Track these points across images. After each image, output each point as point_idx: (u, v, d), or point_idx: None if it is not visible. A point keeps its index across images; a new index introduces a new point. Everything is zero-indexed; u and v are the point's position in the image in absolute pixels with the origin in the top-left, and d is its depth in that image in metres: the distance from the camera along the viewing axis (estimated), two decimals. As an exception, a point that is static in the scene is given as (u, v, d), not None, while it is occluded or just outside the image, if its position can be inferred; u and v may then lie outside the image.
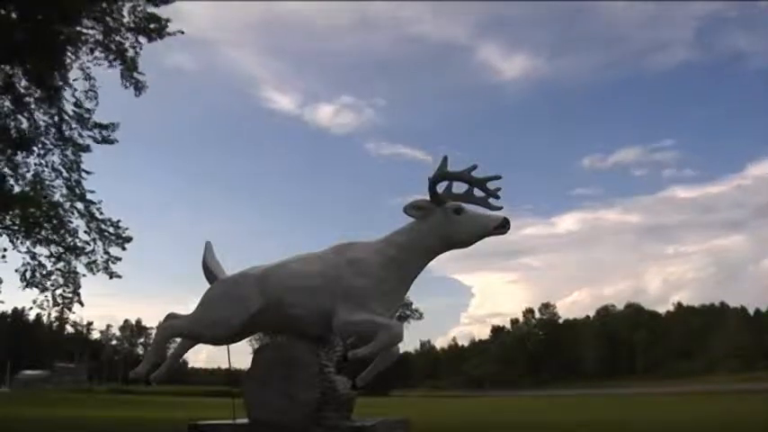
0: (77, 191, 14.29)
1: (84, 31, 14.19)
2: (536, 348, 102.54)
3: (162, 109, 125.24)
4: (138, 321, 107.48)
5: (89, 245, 14.13)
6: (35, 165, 14.33)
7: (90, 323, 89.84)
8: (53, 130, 14.36)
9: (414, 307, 67.85)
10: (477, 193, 4.92)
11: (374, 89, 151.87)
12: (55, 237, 13.95)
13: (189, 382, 75.30)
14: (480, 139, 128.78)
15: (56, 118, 14.32)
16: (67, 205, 14.24)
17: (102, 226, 14.17)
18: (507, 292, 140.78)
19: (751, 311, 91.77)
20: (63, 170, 14.32)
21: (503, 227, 4.74)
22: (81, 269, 14.10)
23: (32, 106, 14.34)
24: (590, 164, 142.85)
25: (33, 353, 79.59)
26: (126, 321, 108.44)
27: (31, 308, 14.37)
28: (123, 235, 14.25)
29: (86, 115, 14.37)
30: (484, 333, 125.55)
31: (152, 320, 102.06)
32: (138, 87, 14.77)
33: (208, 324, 5.05)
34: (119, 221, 14.27)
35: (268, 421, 4.88)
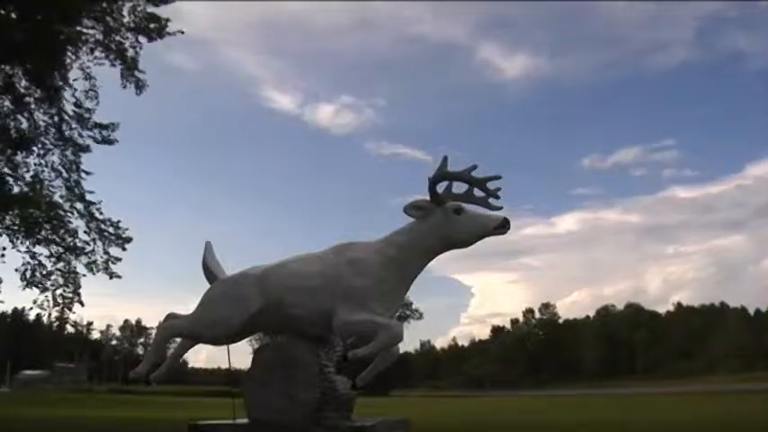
0: (77, 191, 14.30)
1: (85, 30, 14.20)
2: (536, 348, 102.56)
3: (162, 108, 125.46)
4: (138, 321, 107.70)
5: (89, 245, 14.14)
6: (35, 165, 14.34)
7: (90, 323, 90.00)
8: (53, 130, 14.37)
9: (414, 307, 67.95)
10: (477, 193, 4.92)
11: (374, 89, 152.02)
12: (55, 237, 13.95)
13: (189, 382, 75.31)
14: (480, 139, 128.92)
15: (56, 118, 14.32)
16: (67, 205, 14.26)
17: (102, 226, 14.17)
18: (507, 292, 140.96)
19: (751, 311, 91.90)
20: (63, 170, 14.34)
21: (503, 227, 4.75)
22: (81, 269, 14.12)
23: (32, 106, 14.34)
24: (590, 164, 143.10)
25: (33, 353, 79.59)
26: (126, 321, 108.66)
27: (31, 308, 14.37)
28: (123, 235, 14.25)
29: (86, 115, 14.38)
30: (484, 333, 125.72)
31: (152, 320, 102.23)
32: (139, 86, 14.78)
33: (208, 324, 5.05)
34: (119, 222, 14.28)
35: (268, 421, 4.88)
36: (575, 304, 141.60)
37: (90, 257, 14.08)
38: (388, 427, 5.24)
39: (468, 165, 4.85)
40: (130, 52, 14.46)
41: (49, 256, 13.96)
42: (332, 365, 5.05)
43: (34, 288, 13.75)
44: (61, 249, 14.02)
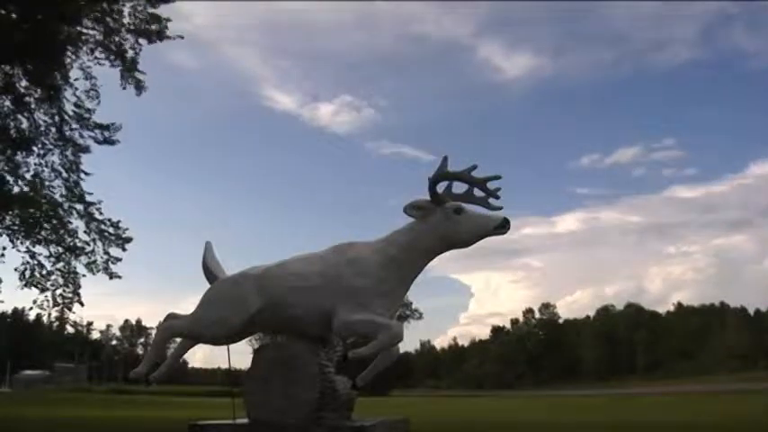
0: (77, 191, 14.31)
1: (85, 31, 14.22)
2: (536, 348, 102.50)
3: (161, 108, 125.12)
4: (138, 321, 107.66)
5: (89, 245, 14.15)
6: (35, 165, 14.37)
7: (90, 323, 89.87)
8: (53, 130, 14.39)
9: (414, 307, 67.99)
10: (477, 193, 4.94)
11: (375, 88, 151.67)
12: (54, 237, 13.96)
13: (189, 382, 75.29)
14: (481, 139, 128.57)
15: (56, 118, 14.34)
16: (67, 206, 14.27)
17: (102, 226, 14.19)
18: (507, 292, 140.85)
19: (751, 311, 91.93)
20: (62, 171, 14.35)
21: (503, 227, 4.75)
22: (81, 269, 14.14)
23: (32, 106, 14.36)
24: (592, 163, 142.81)
25: (33, 353, 79.60)
26: (126, 321, 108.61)
27: (31, 308, 14.38)
28: (123, 236, 14.26)
29: (86, 115, 14.40)
30: (484, 333, 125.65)
31: (152, 320, 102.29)
32: (139, 87, 14.80)
33: (207, 324, 5.06)
34: (119, 222, 14.29)
35: (268, 421, 4.89)
36: (575, 304, 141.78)
37: (90, 257, 14.11)
38: (388, 427, 5.25)
39: (468, 165, 4.86)
40: (130, 53, 14.50)
41: (48, 256, 13.98)
42: (332, 365, 5.06)
43: (34, 288, 13.77)
44: (61, 249, 14.03)
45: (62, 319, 15.50)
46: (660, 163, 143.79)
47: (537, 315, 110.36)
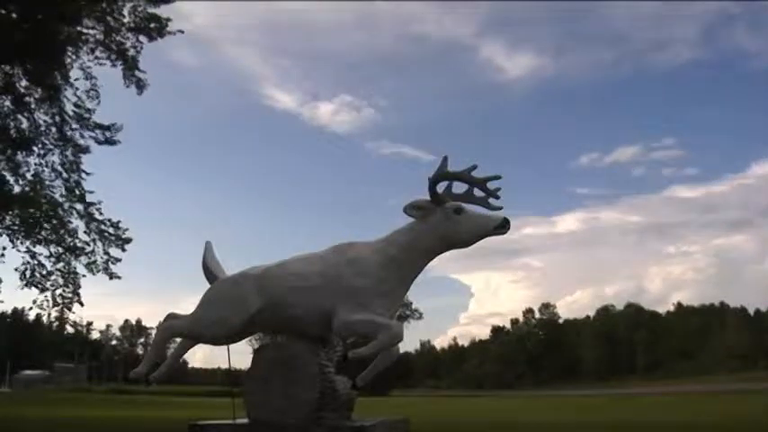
0: (77, 192, 14.31)
1: (85, 31, 14.23)
2: (536, 348, 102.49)
3: (162, 107, 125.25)
4: (138, 321, 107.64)
5: (89, 245, 14.17)
6: (35, 165, 14.38)
7: (90, 323, 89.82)
8: (53, 130, 14.40)
9: (414, 307, 68.00)
10: (477, 193, 4.94)
11: (375, 88, 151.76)
12: (54, 237, 13.97)
13: (189, 382, 75.31)
14: (481, 139, 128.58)
15: (56, 118, 14.35)
16: (67, 206, 14.27)
17: (102, 227, 14.20)
18: (507, 292, 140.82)
19: (751, 311, 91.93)
20: (63, 171, 14.36)
21: (503, 227, 4.75)
22: (81, 269, 14.15)
23: (33, 106, 14.38)
24: (592, 163, 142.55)
25: (33, 353, 79.63)
26: (126, 321, 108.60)
27: (31, 308, 14.40)
28: (123, 236, 14.27)
29: (87, 115, 14.40)
30: (484, 333, 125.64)
31: (152, 320, 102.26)
32: (140, 86, 14.81)
33: (207, 324, 5.06)
34: (119, 222, 14.30)
35: (268, 421, 4.89)
36: (575, 304, 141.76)
37: (90, 258, 14.12)
38: (388, 427, 5.25)
39: (468, 165, 4.86)
40: (131, 52, 14.50)
41: (48, 257, 14.00)
42: (332, 365, 5.05)
43: (34, 288, 13.78)
44: (61, 249, 14.04)
45: (62, 319, 15.50)
46: (660, 163, 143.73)
47: (537, 315, 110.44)
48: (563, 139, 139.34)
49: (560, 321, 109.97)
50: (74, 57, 14.24)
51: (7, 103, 14.18)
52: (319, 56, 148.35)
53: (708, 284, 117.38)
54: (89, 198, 14.30)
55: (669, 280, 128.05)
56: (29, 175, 14.31)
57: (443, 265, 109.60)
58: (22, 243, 13.82)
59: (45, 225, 13.92)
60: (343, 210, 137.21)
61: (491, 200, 4.93)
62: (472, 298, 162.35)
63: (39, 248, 13.94)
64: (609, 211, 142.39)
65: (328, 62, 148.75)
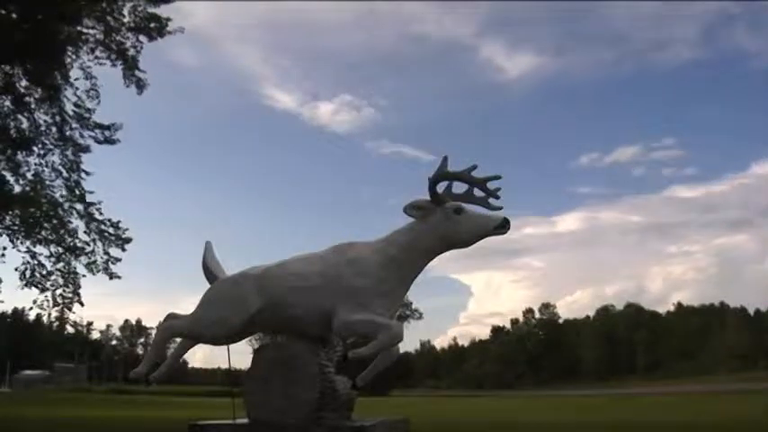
0: (77, 191, 14.32)
1: (85, 30, 14.24)
2: (536, 348, 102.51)
3: (162, 106, 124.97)
4: (138, 321, 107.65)
5: (89, 245, 14.17)
6: (35, 165, 14.39)
7: (90, 323, 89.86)
8: (53, 129, 14.40)
9: (414, 307, 67.99)
10: (477, 193, 4.93)
11: (375, 87, 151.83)
12: (55, 237, 13.97)
13: (189, 382, 75.31)
14: (481, 139, 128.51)
15: (56, 118, 14.35)
16: (67, 206, 14.28)
17: (102, 227, 14.20)
18: (507, 292, 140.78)
19: (751, 311, 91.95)
20: (63, 170, 14.37)
21: (503, 227, 4.75)
22: (81, 269, 14.16)
23: (33, 106, 14.38)
24: (592, 163, 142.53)
25: (33, 353, 79.62)
26: (126, 321, 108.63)
27: (31, 308, 14.41)
28: (123, 236, 14.28)
29: (87, 115, 14.41)
30: (484, 333, 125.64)
31: (152, 320, 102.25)
32: (140, 86, 14.82)
33: (207, 324, 5.06)
34: (119, 222, 14.32)
35: (268, 421, 4.89)
36: (575, 304, 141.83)
37: (90, 258, 14.13)
38: (388, 427, 5.25)
39: (468, 165, 4.86)
40: (131, 52, 14.51)
41: (48, 256, 14.01)
42: (332, 365, 5.05)
43: (34, 288, 13.79)
44: (61, 249, 14.05)
45: (62, 319, 15.52)
46: (660, 162, 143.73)
47: (537, 315, 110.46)
48: (563, 139, 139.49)
49: (560, 321, 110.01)
50: (74, 57, 14.27)
51: (7, 103, 14.19)
52: (319, 55, 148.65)
53: (708, 284, 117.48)
54: (89, 198, 14.33)
55: (669, 280, 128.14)
56: (29, 175, 14.34)
57: (443, 265, 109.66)
58: (22, 243, 13.84)
59: (45, 225, 13.93)
60: (343, 210, 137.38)
61: (491, 200, 4.93)
62: (472, 298, 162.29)
63: (39, 248, 13.97)
64: (609, 211, 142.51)
65: (328, 62, 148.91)
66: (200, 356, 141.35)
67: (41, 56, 13.44)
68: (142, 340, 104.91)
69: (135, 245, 14.78)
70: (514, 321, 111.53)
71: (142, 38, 14.49)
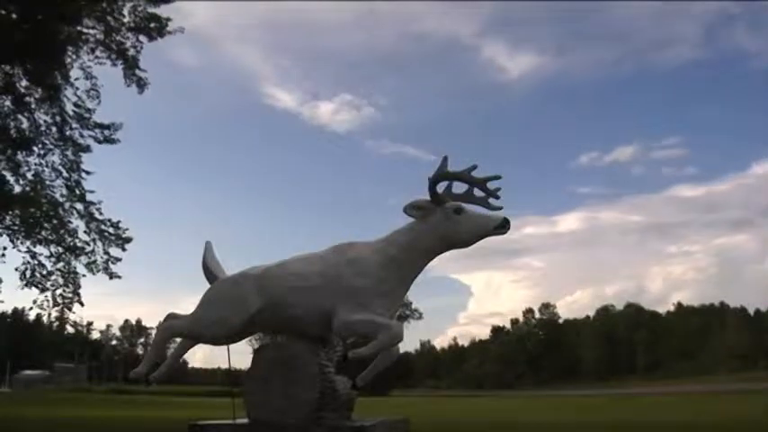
0: (77, 191, 14.32)
1: (85, 30, 14.24)
2: (536, 348, 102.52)
3: (162, 106, 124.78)
4: (138, 321, 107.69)
5: (89, 245, 14.17)
6: (35, 165, 14.39)
7: (90, 323, 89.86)
8: (53, 129, 14.40)
9: (414, 307, 67.99)
10: (477, 193, 4.93)
11: (375, 87, 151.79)
12: (55, 237, 13.97)
13: (189, 382, 75.31)
14: (482, 139, 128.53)
15: (56, 118, 14.36)
16: (67, 205, 14.28)
17: (102, 226, 14.21)
18: (507, 292, 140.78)
19: (751, 311, 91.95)
20: (63, 170, 14.37)
21: (503, 227, 4.75)
22: (81, 269, 14.16)
23: (33, 106, 14.38)
24: (592, 162, 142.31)
25: (33, 353, 79.63)
26: (126, 321, 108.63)
27: (31, 308, 14.41)
28: (123, 236, 14.28)
29: (87, 115, 14.41)
30: (484, 333, 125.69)
31: (152, 320, 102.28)
32: (140, 85, 14.82)
33: (207, 324, 5.06)
34: (119, 222, 14.32)
35: (268, 421, 4.89)
36: (575, 304, 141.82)
37: (90, 257, 14.13)
38: (388, 427, 5.25)
39: (468, 164, 4.86)
40: (131, 52, 14.51)
41: (49, 256, 14.01)
42: (332, 365, 5.05)
43: (34, 288, 13.79)
44: (61, 249, 14.05)
45: (62, 319, 15.52)
46: (661, 162, 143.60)
47: (537, 315, 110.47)
48: (563, 139, 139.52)
49: (560, 321, 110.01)
50: (74, 56, 14.27)
51: (7, 103, 14.19)
52: (320, 55, 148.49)
53: (708, 284, 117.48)
54: (89, 198, 14.33)
55: (669, 280, 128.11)
56: (29, 175, 14.33)
57: (443, 265, 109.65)
58: (22, 243, 13.84)
59: (45, 225, 13.93)
60: (343, 210, 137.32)
61: (491, 200, 4.93)
62: (472, 298, 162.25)
63: (39, 248, 13.97)
64: (609, 211, 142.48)
65: (329, 61, 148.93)
66: (200, 356, 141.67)
67: (41, 56, 13.44)
68: (142, 340, 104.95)
69: (135, 245, 14.81)
70: (514, 321, 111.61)
71: (142, 38, 14.50)
